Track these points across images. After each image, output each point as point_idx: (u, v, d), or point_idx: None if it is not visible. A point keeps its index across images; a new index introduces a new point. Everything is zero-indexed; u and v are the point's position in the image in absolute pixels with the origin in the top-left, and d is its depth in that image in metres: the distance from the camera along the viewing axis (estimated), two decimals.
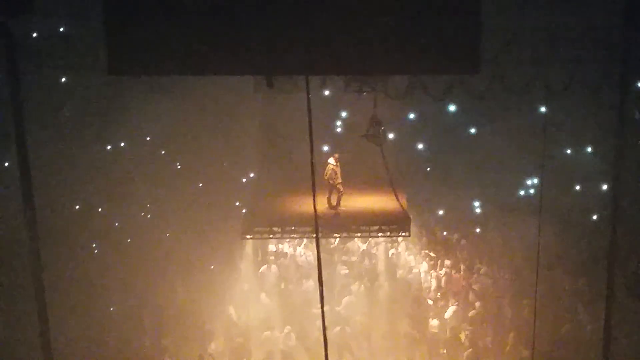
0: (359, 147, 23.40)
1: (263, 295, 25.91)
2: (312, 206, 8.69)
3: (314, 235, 11.58)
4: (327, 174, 22.09)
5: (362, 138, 21.17)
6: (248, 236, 23.06)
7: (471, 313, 24.17)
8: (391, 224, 22.12)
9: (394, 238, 28.21)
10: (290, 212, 22.58)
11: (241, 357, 22.74)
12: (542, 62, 21.63)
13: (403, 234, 22.59)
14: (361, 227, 22.25)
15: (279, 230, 22.13)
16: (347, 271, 26.83)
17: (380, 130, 20.77)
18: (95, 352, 21.59)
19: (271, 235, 22.82)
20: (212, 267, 27.11)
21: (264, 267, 27.41)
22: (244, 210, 25.68)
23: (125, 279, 24.88)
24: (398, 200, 22.04)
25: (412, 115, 28.91)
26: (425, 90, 21.44)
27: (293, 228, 22.04)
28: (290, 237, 24.42)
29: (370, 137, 20.85)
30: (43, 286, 14.49)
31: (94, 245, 25.51)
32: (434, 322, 24.35)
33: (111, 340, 22.68)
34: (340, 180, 22.41)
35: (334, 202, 22.58)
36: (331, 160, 22.28)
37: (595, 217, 27.45)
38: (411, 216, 23.17)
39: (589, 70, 22.99)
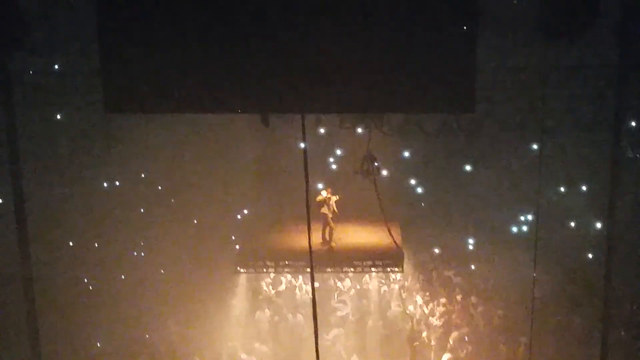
0: (353, 184, 23.49)
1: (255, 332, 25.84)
2: (306, 241, 8.73)
3: (308, 270, 11.57)
4: (322, 205, 22.12)
5: (356, 174, 21.21)
6: (242, 270, 23.05)
7: (464, 352, 24.01)
8: (384, 259, 22.16)
9: (388, 275, 28.22)
10: (284, 247, 22.64)
11: None
12: (535, 100, 21.79)
13: (396, 269, 22.60)
14: (354, 262, 22.25)
15: (273, 264, 22.14)
16: (341, 312, 26.60)
17: (374, 167, 20.81)
18: None
19: (265, 270, 22.83)
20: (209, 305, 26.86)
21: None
22: (237, 246, 25.64)
23: (117, 314, 24.73)
24: (392, 236, 22.07)
25: (406, 153, 28.90)
26: (420, 127, 21.55)
27: (287, 262, 22.04)
28: (284, 272, 24.33)
29: (364, 173, 20.89)
30: (36, 321, 14.47)
31: (86, 280, 25.42)
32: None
33: None
34: (331, 216, 22.44)
35: (327, 237, 22.60)
36: (324, 193, 22.32)
37: (590, 255, 27.40)
38: (405, 253, 23.13)
39: (582, 108, 23.16)
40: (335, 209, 22.61)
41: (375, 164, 21.09)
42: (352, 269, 23.14)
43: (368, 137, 21.21)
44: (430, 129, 22.06)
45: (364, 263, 22.21)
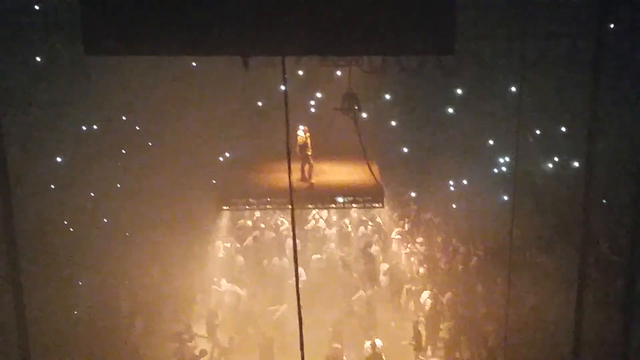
0: (333, 122, 23.60)
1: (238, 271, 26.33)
2: (287, 179, 8.81)
3: (289, 207, 11.70)
4: (297, 145, 22.16)
5: (336, 111, 21.23)
6: (225, 207, 23.32)
7: (447, 295, 24.34)
8: (365, 195, 22.32)
9: (368, 214, 28.62)
10: (265, 185, 22.79)
11: (220, 335, 22.66)
12: (513, 38, 21.78)
13: (376, 205, 22.79)
14: (335, 199, 22.42)
15: (255, 201, 22.31)
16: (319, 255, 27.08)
17: (355, 104, 20.81)
18: (67, 327, 21.58)
19: (247, 207, 23.04)
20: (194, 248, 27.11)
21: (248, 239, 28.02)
22: (219, 186, 25.92)
23: (99, 259, 24.83)
24: (372, 172, 22.18)
25: (387, 96, 29.00)
26: (400, 64, 21.51)
27: (269, 199, 22.20)
28: (265, 208, 24.59)
29: (344, 111, 20.88)
30: (18, 264, 14.52)
31: (66, 222, 25.46)
32: (409, 302, 24.71)
33: (83, 316, 22.61)
34: (310, 153, 22.51)
35: (307, 175, 22.70)
36: (300, 132, 22.36)
37: (567, 195, 27.70)
38: (385, 193, 23.33)
39: (561, 46, 23.19)
40: (309, 146, 22.63)
41: (356, 101, 21.04)
42: (333, 205, 23.36)
43: (348, 75, 21.19)
44: (410, 66, 21.97)
45: (345, 199, 22.39)
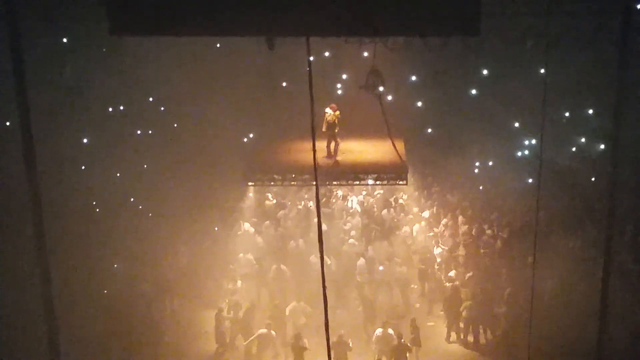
0: (358, 100, 23.65)
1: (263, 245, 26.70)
2: (312, 156, 8.83)
3: (314, 183, 11.69)
4: (325, 123, 22.12)
5: (361, 89, 21.13)
6: (250, 183, 23.43)
7: (468, 275, 24.33)
8: (389, 173, 22.26)
9: (393, 196, 28.67)
10: (290, 162, 22.79)
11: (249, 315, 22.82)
12: (538, 15, 21.55)
13: (400, 182, 22.73)
14: (359, 176, 22.39)
15: (280, 178, 22.37)
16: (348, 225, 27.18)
17: (379, 81, 20.69)
18: (95, 307, 21.83)
19: (272, 183, 23.11)
20: (216, 228, 27.21)
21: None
22: (243, 160, 26.13)
23: (126, 236, 25.03)
24: (396, 150, 22.09)
25: (412, 77, 28.93)
26: (424, 41, 21.37)
27: (293, 176, 22.23)
28: (290, 185, 24.71)
29: (369, 88, 20.76)
30: (45, 246, 14.67)
31: (95, 203, 25.64)
32: (436, 280, 24.84)
33: (112, 296, 22.83)
34: (337, 130, 22.47)
35: (331, 150, 22.68)
36: (328, 110, 22.31)
37: (593, 177, 27.55)
38: (411, 173, 23.36)
39: (586, 24, 22.95)
40: (337, 124, 22.59)
41: (381, 79, 20.91)
42: (357, 182, 23.38)
43: (373, 53, 21.08)
44: (434, 43, 21.81)
45: (369, 176, 22.37)
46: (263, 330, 20.67)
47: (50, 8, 21.17)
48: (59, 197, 22.07)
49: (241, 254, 25.67)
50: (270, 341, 20.84)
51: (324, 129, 21.97)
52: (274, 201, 29.64)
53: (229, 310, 22.17)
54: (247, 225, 27.26)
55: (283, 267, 24.58)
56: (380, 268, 24.83)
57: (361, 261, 24.94)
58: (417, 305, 24.39)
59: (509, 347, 20.90)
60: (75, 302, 20.86)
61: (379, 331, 20.66)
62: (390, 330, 20.53)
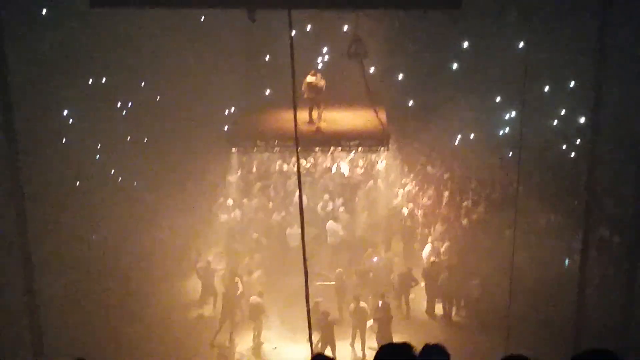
0: (340, 69, 23.68)
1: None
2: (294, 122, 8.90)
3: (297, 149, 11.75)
4: (306, 89, 22.11)
5: (344, 56, 21.12)
6: (234, 149, 23.44)
7: (445, 245, 24.44)
8: (371, 139, 22.33)
9: (374, 168, 28.81)
10: (273, 129, 22.85)
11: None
12: None
13: (382, 148, 22.81)
14: (341, 142, 22.46)
15: (263, 143, 22.44)
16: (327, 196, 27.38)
17: (361, 48, 20.67)
18: (76, 279, 21.96)
19: (255, 148, 23.17)
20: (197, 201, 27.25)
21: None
22: (226, 127, 26.20)
23: (106, 208, 25.06)
24: (378, 116, 22.12)
25: (394, 49, 28.96)
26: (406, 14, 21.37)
27: (276, 142, 22.28)
28: (273, 151, 24.78)
29: (352, 55, 20.76)
30: (25, 215, 14.66)
31: (75, 176, 25.63)
32: (417, 250, 25.07)
33: (93, 269, 22.89)
34: (321, 95, 22.47)
35: (314, 117, 22.70)
36: (309, 78, 22.30)
37: (572, 153, 27.75)
38: (394, 147, 23.42)
39: None
40: (321, 88, 22.58)
41: (362, 47, 20.89)
42: (339, 148, 23.47)
43: (355, 21, 21.06)
44: (416, 16, 21.79)
45: (351, 142, 22.43)
46: (255, 298, 20.93)
47: None
48: (39, 169, 22.04)
49: (223, 225, 25.89)
50: (261, 309, 21.04)
51: (305, 96, 21.97)
52: (256, 172, 29.65)
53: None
54: (229, 200, 27.26)
55: (264, 239, 24.81)
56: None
57: (330, 224, 25.14)
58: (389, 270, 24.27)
59: (488, 320, 21.09)
60: (55, 272, 20.96)
61: (351, 306, 20.87)
62: (363, 304, 20.75)
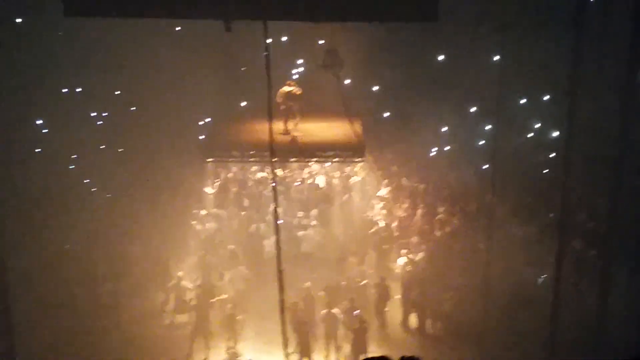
0: (316, 80, 23.76)
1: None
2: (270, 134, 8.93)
3: (273, 160, 11.76)
4: (280, 100, 22.10)
5: (319, 67, 21.17)
6: (209, 159, 23.40)
7: (420, 256, 24.39)
8: (346, 149, 22.36)
9: (349, 181, 28.78)
10: (248, 139, 22.82)
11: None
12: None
13: (358, 159, 22.86)
14: (317, 152, 22.50)
15: (239, 154, 22.42)
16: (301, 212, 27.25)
17: (337, 60, 20.71)
18: (50, 290, 21.72)
19: (231, 159, 23.16)
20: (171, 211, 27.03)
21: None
22: (201, 137, 26.09)
23: (81, 218, 24.91)
24: (353, 127, 22.19)
25: (369, 61, 29.06)
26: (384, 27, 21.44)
27: (252, 152, 22.26)
28: (249, 161, 24.74)
29: (327, 67, 20.80)
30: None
31: (49, 185, 25.43)
32: (391, 264, 24.97)
33: (67, 278, 22.66)
34: (298, 105, 22.48)
35: (290, 127, 22.69)
36: (285, 88, 22.30)
37: (547, 164, 27.87)
38: (369, 158, 23.40)
39: (541, 9, 23.15)
40: (297, 98, 22.59)
41: (338, 59, 20.95)
42: (315, 159, 23.46)
43: (331, 32, 21.12)
44: (392, 29, 21.91)
45: (327, 153, 22.46)
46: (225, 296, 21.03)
47: None
48: (12, 178, 21.89)
49: (197, 236, 25.82)
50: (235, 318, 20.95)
51: (281, 107, 21.97)
52: (231, 182, 29.56)
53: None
54: (204, 210, 27.15)
55: (235, 248, 24.64)
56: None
57: (303, 234, 25.17)
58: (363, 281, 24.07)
59: (463, 332, 21.07)
60: (28, 281, 20.75)
61: (323, 312, 20.77)
62: (335, 310, 20.68)
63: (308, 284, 22.04)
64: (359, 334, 20.16)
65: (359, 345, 20.07)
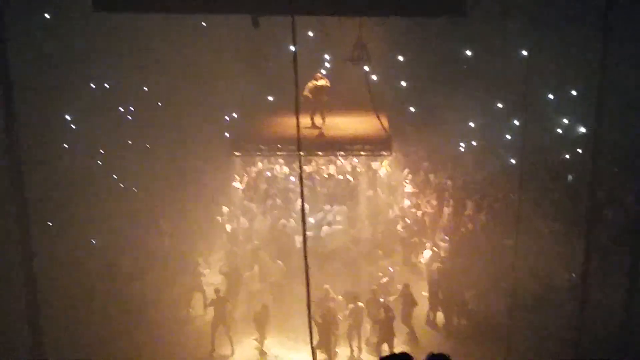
0: (343, 74, 23.72)
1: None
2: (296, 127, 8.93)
3: (300, 153, 11.80)
4: (308, 92, 22.16)
5: (347, 61, 21.12)
6: (237, 153, 23.42)
7: (446, 251, 24.32)
8: (373, 143, 22.37)
9: (377, 175, 28.72)
10: (276, 133, 22.91)
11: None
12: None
13: (384, 153, 22.85)
14: (344, 146, 22.54)
15: (266, 147, 22.49)
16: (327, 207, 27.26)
17: (365, 54, 20.65)
18: (76, 285, 21.81)
19: (258, 152, 23.26)
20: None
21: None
22: (228, 132, 26.19)
23: (109, 213, 25.01)
24: (380, 121, 22.14)
25: (398, 57, 29.02)
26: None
27: (279, 146, 22.33)
28: (276, 155, 24.84)
29: (354, 61, 20.74)
30: (28, 217, 14.60)
31: (77, 180, 25.58)
32: (418, 261, 25.02)
33: (93, 274, 22.76)
34: (326, 98, 22.54)
35: (317, 121, 22.74)
36: (314, 81, 22.36)
37: (575, 160, 27.64)
38: (396, 154, 23.37)
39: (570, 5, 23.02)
40: (324, 92, 22.66)
41: (366, 52, 20.88)
42: (342, 152, 23.48)
43: (359, 26, 21.04)
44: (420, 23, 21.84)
45: (354, 146, 22.49)
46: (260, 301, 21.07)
47: None
48: (41, 174, 22.02)
49: (224, 231, 25.91)
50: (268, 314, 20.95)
51: (310, 97, 22.02)
52: (258, 177, 29.63)
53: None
54: (225, 208, 27.15)
55: (261, 244, 24.68)
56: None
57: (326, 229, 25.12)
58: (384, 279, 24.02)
59: (489, 330, 20.97)
60: (56, 278, 20.85)
61: (350, 306, 20.74)
62: (360, 304, 20.64)
63: (333, 279, 22.04)
64: (384, 325, 20.12)
65: (385, 336, 20.07)
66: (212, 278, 24.00)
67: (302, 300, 10.99)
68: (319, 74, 22.77)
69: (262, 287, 22.71)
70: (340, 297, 21.48)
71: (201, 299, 22.59)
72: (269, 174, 29.60)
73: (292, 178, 28.58)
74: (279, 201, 27.37)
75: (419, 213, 26.86)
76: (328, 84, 22.36)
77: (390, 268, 23.51)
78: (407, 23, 22.55)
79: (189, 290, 23.03)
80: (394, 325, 20.35)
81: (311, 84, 22.22)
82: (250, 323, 20.96)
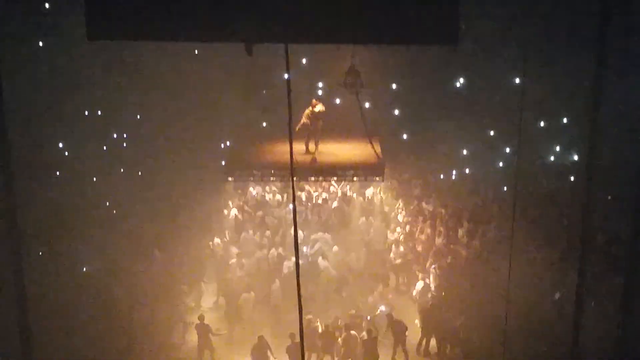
0: (335, 101, 23.80)
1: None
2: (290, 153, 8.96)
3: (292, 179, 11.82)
4: (306, 118, 22.32)
5: (339, 87, 21.23)
6: (230, 178, 23.53)
7: (438, 281, 24.33)
8: (366, 169, 22.48)
9: (369, 202, 28.75)
10: (269, 159, 23.04)
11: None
12: (515, 19, 21.74)
13: (377, 178, 22.98)
14: (337, 172, 22.67)
15: (259, 173, 22.58)
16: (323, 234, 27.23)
17: (358, 80, 20.75)
18: (70, 313, 21.64)
19: (251, 178, 23.43)
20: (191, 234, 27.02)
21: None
22: (222, 159, 26.26)
23: (101, 242, 24.89)
24: (373, 147, 22.24)
25: (390, 85, 29.15)
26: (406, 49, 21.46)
27: (272, 171, 22.44)
28: (269, 180, 24.94)
29: (347, 86, 20.84)
30: (20, 246, 14.51)
31: (69, 207, 25.47)
32: (411, 288, 24.99)
33: (86, 303, 22.60)
34: (321, 123, 22.65)
35: (311, 147, 22.83)
36: (311, 108, 22.52)
37: (568, 186, 27.67)
38: (390, 181, 23.46)
39: (562, 30, 23.11)
40: (319, 118, 22.82)
41: (358, 78, 20.98)
42: (334, 178, 23.57)
43: (352, 52, 21.16)
44: (413, 51, 21.95)
45: (346, 172, 22.61)
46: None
47: (27, 10, 21.06)
48: (33, 199, 21.93)
49: (216, 258, 26.00)
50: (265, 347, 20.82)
51: (306, 121, 22.15)
52: (251, 204, 29.69)
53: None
54: (217, 239, 27.20)
55: (254, 271, 24.76)
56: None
57: (323, 262, 25.08)
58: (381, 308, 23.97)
59: (483, 358, 20.89)
60: (48, 306, 20.69)
61: (343, 335, 20.81)
62: (353, 332, 20.69)
63: (326, 307, 22.02)
64: (369, 344, 20.35)
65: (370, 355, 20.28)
66: (203, 304, 23.99)
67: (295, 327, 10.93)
68: (315, 100, 22.91)
69: (256, 315, 22.61)
70: (339, 316, 21.60)
71: (190, 325, 22.51)
72: (261, 199, 29.68)
73: (288, 205, 28.65)
74: (268, 232, 27.43)
75: (412, 241, 26.89)
76: (324, 109, 22.51)
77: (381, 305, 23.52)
78: (400, 51, 22.59)
79: (179, 317, 22.93)
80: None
81: (308, 110, 22.37)
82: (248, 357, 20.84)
